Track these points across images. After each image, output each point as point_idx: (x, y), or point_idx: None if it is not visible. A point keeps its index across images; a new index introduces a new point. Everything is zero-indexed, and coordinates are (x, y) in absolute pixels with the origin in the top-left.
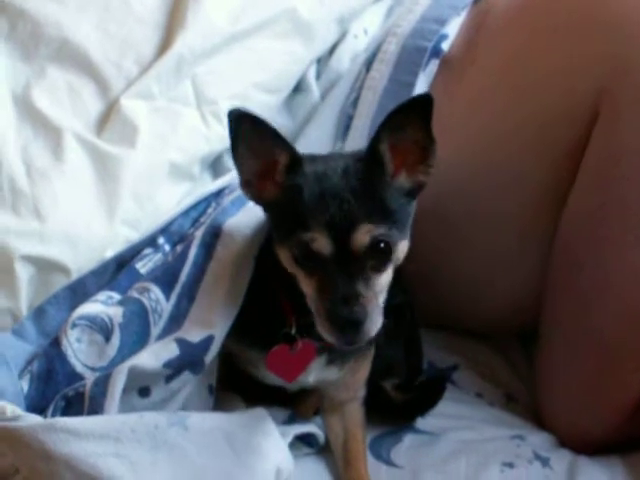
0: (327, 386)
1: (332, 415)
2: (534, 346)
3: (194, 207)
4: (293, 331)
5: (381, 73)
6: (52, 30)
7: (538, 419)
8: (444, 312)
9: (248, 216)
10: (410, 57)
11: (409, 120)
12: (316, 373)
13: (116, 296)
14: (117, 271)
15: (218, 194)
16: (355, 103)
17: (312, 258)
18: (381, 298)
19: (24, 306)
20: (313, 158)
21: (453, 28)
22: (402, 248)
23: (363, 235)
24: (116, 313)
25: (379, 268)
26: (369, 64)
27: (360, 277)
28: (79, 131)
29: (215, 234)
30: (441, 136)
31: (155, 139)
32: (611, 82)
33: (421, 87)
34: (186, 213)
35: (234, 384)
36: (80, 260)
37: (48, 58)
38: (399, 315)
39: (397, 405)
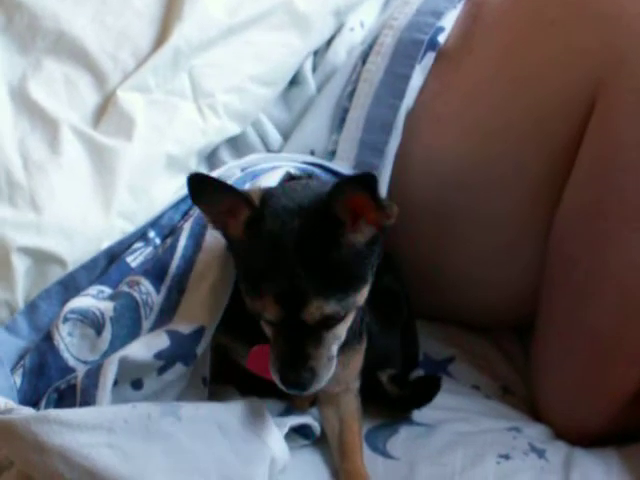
0: None
1: (327, 407)
2: (530, 339)
3: (184, 200)
4: None
5: (377, 66)
6: (49, 22)
7: (534, 411)
8: (440, 304)
9: None
10: (406, 50)
11: (356, 193)
12: None
13: (107, 290)
14: (108, 265)
15: None
16: (351, 96)
17: (266, 319)
18: (336, 345)
19: (20, 298)
20: (274, 209)
21: (449, 21)
22: (363, 294)
23: (314, 311)
24: (107, 307)
25: (334, 326)
26: (365, 57)
27: (311, 339)
28: (76, 123)
29: (204, 224)
30: (436, 127)
31: (152, 132)
32: (607, 73)
33: (417, 79)
34: (176, 206)
35: (229, 377)
36: (76, 252)
37: (45, 50)
38: (395, 305)
39: (393, 398)
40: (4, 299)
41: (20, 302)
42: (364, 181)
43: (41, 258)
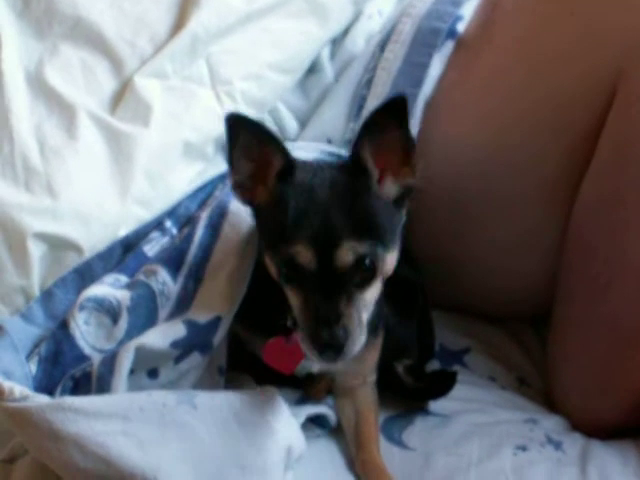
0: (335, 373)
1: (343, 398)
2: (546, 330)
3: (201, 189)
4: (289, 323)
5: (395, 54)
6: (66, 8)
7: (550, 403)
8: (457, 294)
9: None
10: (425, 38)
11: (386, 122)
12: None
13: (124, 279)
14: (124, 254)
15: (225, 176)
16: (369, 84)
17: (296, 272)
18: (365, 315)
19: (36, 284)
20: (304, 165)
21: (469, 9)
22: (390, 261)
23: (346, 252)
24: (124, 296)
25: (363, 285)
26: (383, 45)
27: (343, 295)
28: (93, 109)
29: (222, 214)
30: (455, 116)
31: (169, 118)
32: (628, 62)
33: (436, 68)
34: (193, 195)
35: (245, 366)
36: (92, 238)
37: (62, 36)
38: (411, 295)
39: (408, 388)
40: (20, 285)
41: (36, 288)
42: (396, 104)
43: (57, 244)
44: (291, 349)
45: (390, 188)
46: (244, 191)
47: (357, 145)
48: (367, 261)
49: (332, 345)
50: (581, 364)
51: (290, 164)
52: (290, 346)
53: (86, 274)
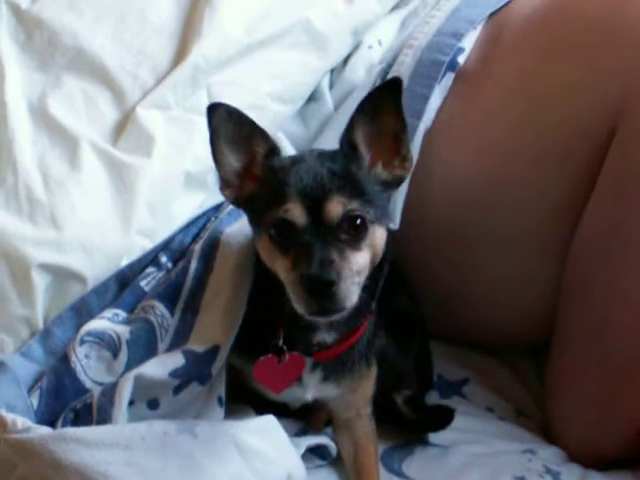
0: (329, 403)
1: (341, 432)
2: (544, 361)
3: (194, 223)
4: (280, 342)
5: None
6: (68, 39)
7: (547, 434)
8: (455, 325)
9: (244, 224)
10: (426, 70)
11: (380, 105)
12: (313, 390)
13: (122, 313)
14: (119, 290)
15: (217, 209)
16: None
17: (287, 232)
18: (357, 277)
19: (40, 315)
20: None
21: (469, 41)
22: (379, 234)
23: (336, 205)
24: (123, 330)
25: (353, 244)
26: (384, 75)
27: (334, 247)
28: (95, 140)
29: (213, 245)
30: (455, 147)
31: (171, 149)
32: (629, 97)
33: (436, 99)
34: (187, 229)
35: (246, 399)
36: (96, 269)
37: (64, 67)
38: (409, 326)
39: (408, 420)
40: (24, 315)
41: (40, 319)
42: (391, 86)
43: (61, 275)
44: (283, 369)
45: (380, 174)
46: (232, 189)
47: (349, 127)
48: (356, 218)
49: (324, 284)
50: (579, 396)
51: (274, 146)
52: (282, 366)
53: (83, 310)
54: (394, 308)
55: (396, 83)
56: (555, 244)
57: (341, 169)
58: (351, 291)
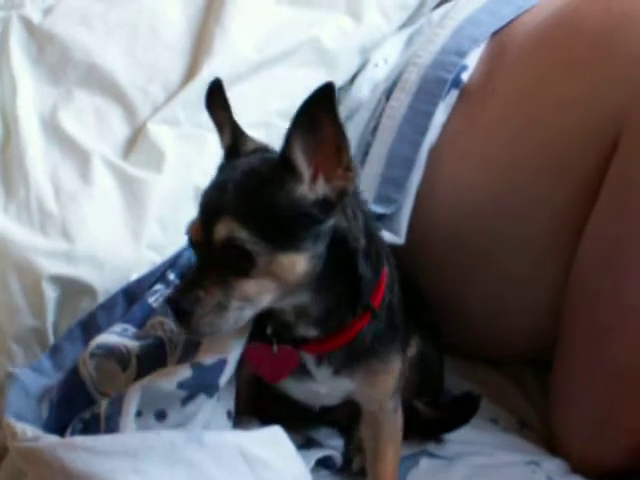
0: (354, 398)
1: (366, 427)
2: (547, 374)
3: None
4: (268, 331)
5: (400, 102)
6: (80, 54)
7: (551, 446)
8: (462, 335)
9: None
10: (430, 88)
11: (316, 115)
12: (326, 384)
13: (131, 328)
14: (127, 306)
15: None
16: (374, 131)
17: (193, 248)
18: (238, 303)
19: (50, 326)
20: (255, 150)
21: (473, 59)
22: (288, 263)
23: (221, 228)
24: (133, 345)
25: (239, 274)
26: (389, 93)
27: (213, 273)
28: (106, 154)
29: None
30: (460, 163)
31: (181, 164)
32: (631, 111)
33: (440, 116)
34: None
35: (257, 409)
36: (106, 281)
37: (76, 82)
38: (437, 338)
39: (425, 421)
40: (34, 327)
41: (50, 330)
42: (323, 92)
43: (72, 287)
44: (275, 359)
45: (321, 189)
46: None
47: (286, 142)
48: (236, 249)
49: (176, 307)
50: (583, 407)
51: (234, 145)
52: (277, 357)
53: (91, 326)
54: (423, 319)
55: (328, 89)
56: (555, 252)
57: (256, 190)
58: (213, 314)
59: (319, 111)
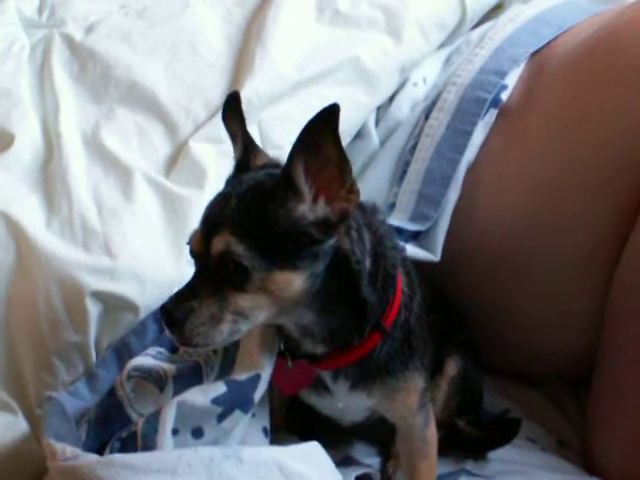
0: (378, 412)
1: (400, 439)
2: (584, 393)
3: None
4: (282, 347)
5: (439, 121)
6: (121, 73)
7: (588, 466)
8: (500, 353)
9: None
10: (469, 107)
11: (318, 135)
12: (343, 399)
13: (165, 352)
14: (159, 330)
15: None
16: (413, 150)
17: (193, 259)
18: (230, 316)
19: (92, 342)
20: (263, 165)
21: (512, 79)
22: (283, 281)
23: (219, 241)
24: (170, 367)
25: (235, 287)
26: (428, 112)
27: (209, 285)
28: (148, 171)
29: None
30: (499, 182)
31: (222, 182)
32: None
33: (479, 135)
34: None
35: (292, 426)
36: (148, 298)
37: (117, 100)
38: (473, 353)
39: (466, 439)
40: (76, 342)
41: (91, 345)
42: (326, 116)
43: (113, 303)
44: (294, 374)
45: (318, 210)
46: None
47: (289, 160)
48: (232, 263)
49: (168, 317)
50: (619, 428)
51: (243, 159)
52: (293, 371)
53: (123, 351)
54: (463, 338)
55: (332, 110)
56: (595, 268)
57: (255, 205)
58: (204, 332)
59: (322, 132)
